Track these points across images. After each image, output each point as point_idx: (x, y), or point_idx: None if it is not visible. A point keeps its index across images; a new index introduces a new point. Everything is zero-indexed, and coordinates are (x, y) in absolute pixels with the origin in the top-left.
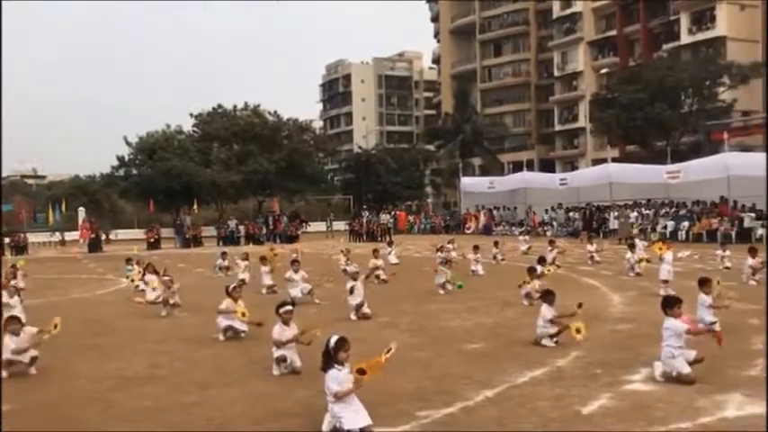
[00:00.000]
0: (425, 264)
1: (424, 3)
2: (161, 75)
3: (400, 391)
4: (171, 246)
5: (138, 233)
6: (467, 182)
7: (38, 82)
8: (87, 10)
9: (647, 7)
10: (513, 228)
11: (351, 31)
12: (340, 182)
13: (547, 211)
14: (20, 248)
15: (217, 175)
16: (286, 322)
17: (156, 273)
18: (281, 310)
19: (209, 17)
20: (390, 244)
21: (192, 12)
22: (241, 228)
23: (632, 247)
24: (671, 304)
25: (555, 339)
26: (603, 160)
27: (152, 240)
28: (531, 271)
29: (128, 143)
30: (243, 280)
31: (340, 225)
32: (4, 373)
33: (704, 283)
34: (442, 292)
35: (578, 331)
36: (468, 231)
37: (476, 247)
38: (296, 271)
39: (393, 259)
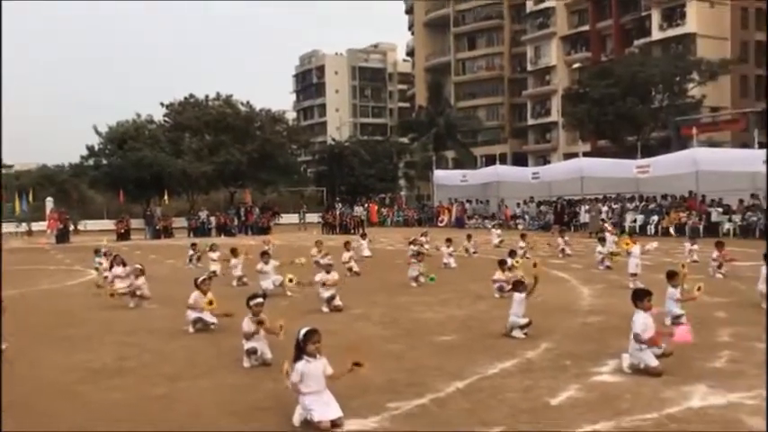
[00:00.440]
0: (398, 256)
1: None
2: (128, 61)
3: (371, 383)
4: (141, 237)
5: (108, 224)
6: (440, 175)
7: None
8: None
9: (618, 3)
10: (486, 221)
11: (325, 21)
12: (313, 174)
13: (519, 204)
14: None
15: (188, 166)
16: (256, 315)
17: (123, 264)
18: (252, 303)
19: (182, 5)
20: (364, 236)
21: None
22: (212, 219)
23: (602, 240)
24: (641, 297)
25: (525, 331)
26: (575, 154)
27: (122, 231)
28: (502, 263)
29: (97, 132)
30: (214, 272)
31: (313, 217)
32: None
33: (672, 276)
34: (414, 284)
35: (535, 279)
36: (441, 224)
37: (448, 240)
38: (266, 263)
39: (366, 252)
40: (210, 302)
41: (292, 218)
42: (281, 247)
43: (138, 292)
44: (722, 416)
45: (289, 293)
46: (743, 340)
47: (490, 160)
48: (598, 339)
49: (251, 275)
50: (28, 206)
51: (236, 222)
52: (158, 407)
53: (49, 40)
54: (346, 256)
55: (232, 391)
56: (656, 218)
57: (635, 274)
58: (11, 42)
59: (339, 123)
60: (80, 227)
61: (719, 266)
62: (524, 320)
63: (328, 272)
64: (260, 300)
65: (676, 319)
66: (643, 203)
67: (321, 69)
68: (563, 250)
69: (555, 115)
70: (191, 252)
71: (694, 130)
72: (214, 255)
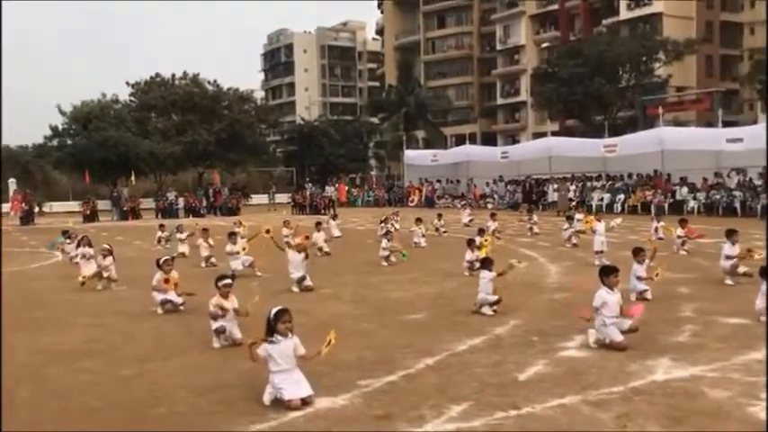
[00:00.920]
0: (368, 236)
1: None
2: (92, 40)
3: (342, 362)
4: (108, 218)
5: (74, 205)
6: (410, 155)
7: None
8: None
9: None
10: (456, 200)
11: None
12: (282, 154)
13: (488, 183)
14: None
15: (155, 146)
16: (224, 296)
17: (90, 245)
18: (220, 284)
19: None
20: (335, 217)
21: None
22: (180, 200)
23: (570, 219)
24: (607, 273)
25: (494, 308)
26: (544, 134)
27: (88, 213)
28: (471, 243)
29: (61, 112)
30: (182, 253)
31: (283, 198)
32: None
33: (637, 253)
34: (385, 264)
35: (511, 266)
36: (412, 204)
37: (418, 220)
38: (234, 243)
39: (336, 232)
40: (176, 285)
41: (262, 198)
42: (251, 228)
43: (106, 274)
44: (685, 388)
45: (258, 273)
46: (705, 315)
47: (460, 140)
48: (565, 315)
49: (220, 256)
50: None
51: (204, 203)
52: (128, 388)
53: (8, 13)
54: (317, 236)
55: (202, 372)
56: (622, 196)
57: (600, 252)
58: None
59: (308, 103)
60: (45, 208)
61: (683, 243)
62: (494, 297)
63: (299, 252)
64: (228, 281)
65: (641, 295)
66: (609, 182)
67: (290, 48)
68: (531, 228)
69: (524, 95)
70: (159, 233)
71: (660, 110)
72: (182, 235)
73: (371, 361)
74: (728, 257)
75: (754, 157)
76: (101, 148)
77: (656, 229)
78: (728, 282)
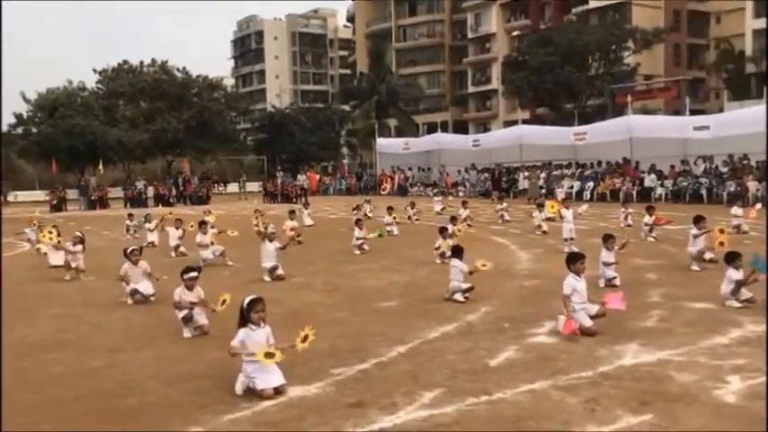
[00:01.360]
0: (341, 225)
1: None
2: (60, 26)
3: (314, 350)
4: (76, 208)
5: (40, 195)
6: (382, 143)
7: None
8: None
9: None
10: (428, 188)
11: None
12: (253, 142)
13: (460, 171)
14: None
15: (123, 134)
16: (189, 288)
17: (59, 235)
18: (185, 276)
19: None
20: (306, 205)
21: None
22: (149, 189)
23: (540, 206)
24: (574, 260)
25: (466, 295)
26: (515, 122)
27: (55, 202)
28: (443, 230)
29: (26, 100)
30: (152, 242)
31: (254, 186)
32: None
33: (607, 240)
34: (357, 252)
35: (484, 265)
36: (384, 192)
37: (389, 208)
38: (204, 233)
39: (308, 220)
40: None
41: (232, 187)
42: (223, 218)
43: (74, 264)
44: (652, 372)
45: (229, 263)
46: (672, 300)
47: (432, 128)
48: (535, 302)
49: (189, 246)
50: None
51: (174, 192)
52: (98, 379)
53: None
54: (289, 224)
55: (173, 362)
56: (591, 184)
57: (570, 239)
58: None
59: (279, 90)
60: (10, 198)
61: (651, 230)
62: (467, 285)
63: (271, 240)
64: (194, 273)
65: (609, 282)
66: (579, 170)
67: (260, 35)
68: (502, 216)
69: (495, 83)
70: (127, 222)
71: (629, 98)
72: (151, 225)
73: (344, 349)
74: (695, 238)
75: (720, 144)
76: (67, 136)
77: (626, 216)
78: (695, 268)
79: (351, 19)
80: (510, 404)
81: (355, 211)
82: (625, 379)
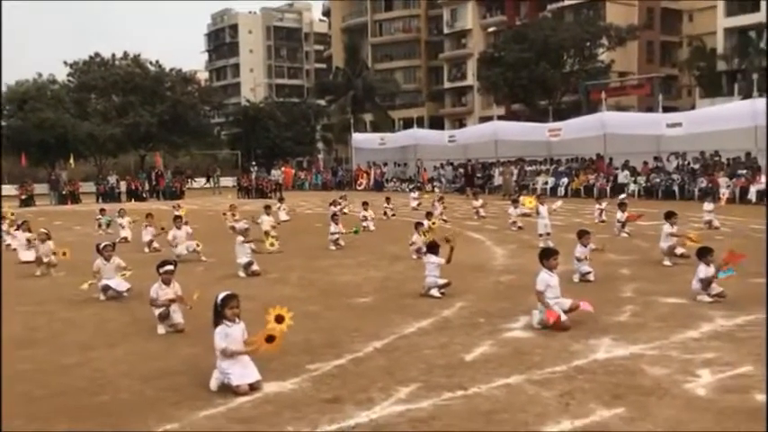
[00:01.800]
0: (316, 220)
1: None
2: (28, 16)
3: (290, 345)
4: (46, 202)
5: (10, 189)
6: (358, 138)
7: None
8: None
9: None
10: (404, 184)
11: None
12: (227, 136)
13: (435, 167)
14: None
15: (95, 128)
16: (166, 282)
17: (29, 230)
18: (162, 270)
19: None
20: (281, 200)
21: None
22: (122, 184)
23: (515, 202)
24: (547, 256)
25: (442, 291)
26: (490, 118)
27: (24, 197)
28: (419, 226)
29: None
30: (125, 238)
31: (228, 181)
32: None
33: (582, 235)
34: (333, 247)
35: (448, 240)
36: (360, 188)
37: (365, 204)
38: (179, 228)
39: (283, 216)
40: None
41: (200, 181)
42: (196, 213)
43: (45, 259)
44: (625, 366)
45: (203, 258)
46: (644, 295)
47: (408, 123)
48: (510, 297)
49: (162, 241)
50: None
51: (146, 187)
52: (70, 377)
53: None
54: (265, 219)
55: (147, 359)
56: (565, 180)
57: (545, 234)
58: None
59: (254, 84)
60: None
61: (623, 226)
62: (443, 280)
63: (244, 236)
64: (170, 267)
65: (584, 277)
66: (553, 166)
67: (234, 28)
68: (477, 212)
69: (471, 79)
70: (99, 217)
71: (603, 95)
72: (123, 220)
73: (320, 345)
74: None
75: (692, 141)
76: (38, 129)
77: (601, 213)
78: (667, 263)
79: (326, 13)
80: (485, 398)
81: (332, 207)
82: (599, 373)
